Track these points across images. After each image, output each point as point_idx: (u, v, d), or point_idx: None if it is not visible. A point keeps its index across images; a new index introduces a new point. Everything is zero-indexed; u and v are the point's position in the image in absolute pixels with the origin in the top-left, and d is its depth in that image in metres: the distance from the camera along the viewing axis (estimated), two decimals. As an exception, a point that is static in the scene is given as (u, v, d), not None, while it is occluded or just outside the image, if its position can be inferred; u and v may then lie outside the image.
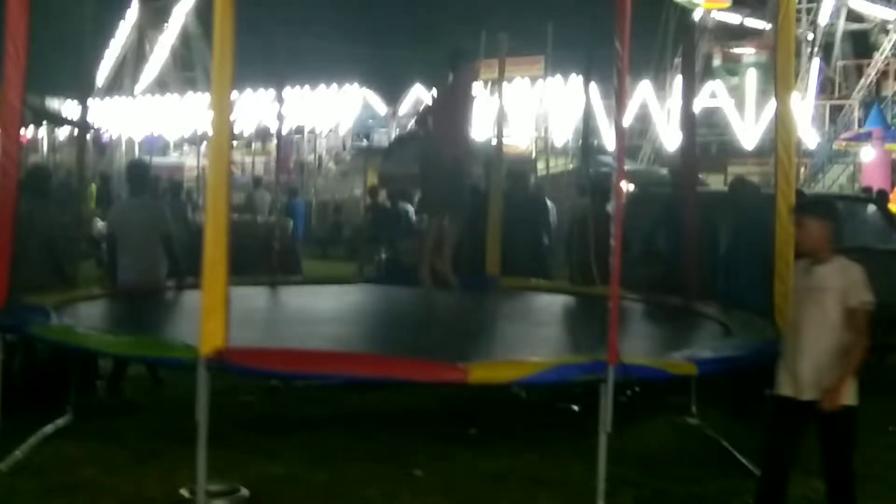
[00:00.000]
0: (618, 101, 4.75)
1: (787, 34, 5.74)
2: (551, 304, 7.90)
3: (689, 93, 7.43)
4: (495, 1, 27.75)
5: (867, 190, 15.68)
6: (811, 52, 26.11)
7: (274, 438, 6.53)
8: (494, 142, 9.37)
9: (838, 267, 4.77)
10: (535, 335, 6.49)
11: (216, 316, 4.42)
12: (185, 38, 38.41)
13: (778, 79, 5.71)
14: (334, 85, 29.91)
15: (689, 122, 7.43)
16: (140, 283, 7.73)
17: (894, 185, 20.90)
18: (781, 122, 5.65)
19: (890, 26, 27.28)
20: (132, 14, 39.45)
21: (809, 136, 23.76)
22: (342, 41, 31.50)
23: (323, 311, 7.29)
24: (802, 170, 23.52)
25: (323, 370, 4.59)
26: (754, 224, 7.28)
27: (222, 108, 4.54)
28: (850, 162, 23.30)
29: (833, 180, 22.51)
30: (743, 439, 6.27)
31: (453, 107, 7.32)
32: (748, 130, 23.91)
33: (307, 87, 29.57)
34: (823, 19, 27.02)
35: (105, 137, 33.48)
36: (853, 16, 28.11)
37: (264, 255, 11.82)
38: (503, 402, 7.24)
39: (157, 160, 28.46)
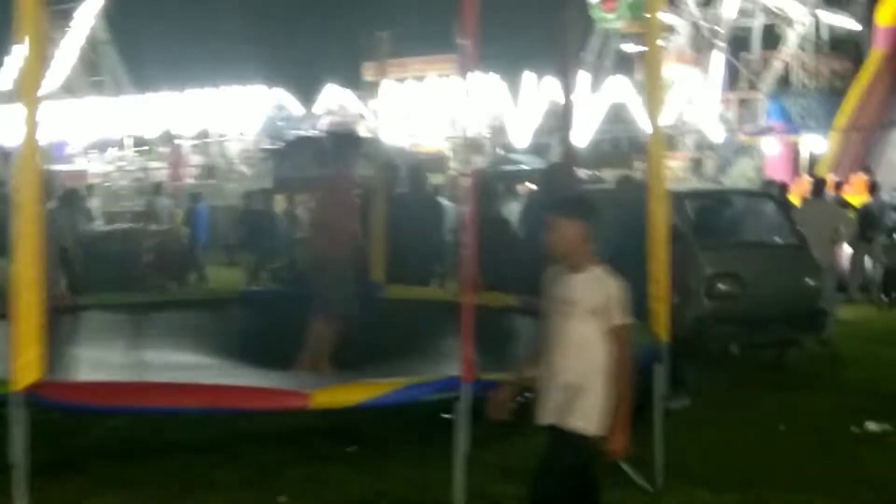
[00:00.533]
0: (465, 98, 4.48)
1: (653, 33, 5.58)
2: (433, 314, 7.55)
3: (566, 89, 7.21)
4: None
5: (769, 183, 15.74)
6: (714, 45, 26.37)
7: (136, 465, 6.12)
8: (375, 140, 9.06)
9: (593, 279, 4.09)
10: (405, 349, 6.20)
11: (31, 347, 4.03)
12: (91, 42, 37.31)
13: (647, 76, 5.57)
14: (243, 86, 29.38)
15: (566, 117, 7.21)
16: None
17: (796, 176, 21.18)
18: (651, 119, 5.48)
19: (796, 20, 27.66)
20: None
21: (715, 129, 23.98)
22: (250, 42, 30.88)
23: (190, 330, 6.90)
24: (710, 163, 23.74)
25: (149, 403, 4.23)
26: (639, 223, 7.08)
27: (31, 117, 4.14)
28: (758, 155, 23.52)
29: (740, 174, 22.70)
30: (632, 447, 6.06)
31: (341, 201, 6.85)
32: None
33: (214, 88, 29.00)
34: (728, 12, 27.27)
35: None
36: (761, 9, 28.45)
37: (155, 264, 11.39)
38: (391, 415, 6.92)
39: (58, 167, 27.56)
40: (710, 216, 9.90)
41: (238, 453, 6.35)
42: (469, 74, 4.50)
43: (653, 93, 5.46)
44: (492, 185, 8.92)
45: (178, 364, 5.62)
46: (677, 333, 7.70)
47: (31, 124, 4.15)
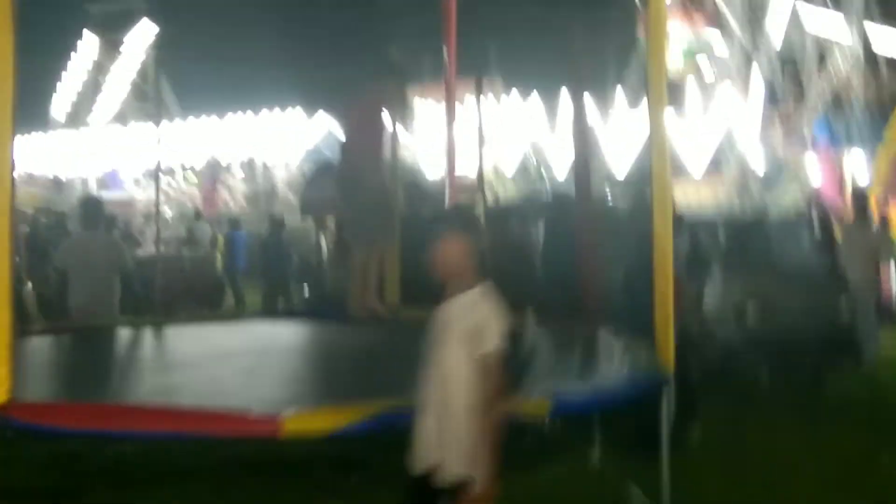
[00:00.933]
0: (447, 114, 4.31)
1: (658, 49, 5.36)
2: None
3: (579, 107, 6.98)
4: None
5: (814, 204, 15.27)
6: (757, 63, 25.95)
7: (134, 492, 6.06)
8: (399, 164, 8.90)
9: (468, 301, 3.60)
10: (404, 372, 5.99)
11: (-2, 367, 3.93)
12: (140, 70, 37.92)
13: (650, 95, 5.33)
14: (288, 112, 29.57)
15: (583, 138, 6.98)
16: (95, 317, 7.62)
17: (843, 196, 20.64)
18: (654, 139, 5.25)
19: (842, 39, 27.03)
20: (86, 47, 38.95)
21: (757, 150, 23.54)
22: (295, 67, 31.12)
23: (190, 354, 6.81)
24: (754, 184, 23.25)
25: (112, 427, 4.08)
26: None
27: (3, 146, 4.06)
28: (803, 175, 23.01)
29: (786, 194, 22.19)
30: (646, 481, 5.78)
31: (372, 129, 6.76)
32: (690, 148, 23.72)
33: (259, 115, 29.27)
34: (772, 31, 26.80)
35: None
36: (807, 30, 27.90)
37: (185, 289, 11.40)
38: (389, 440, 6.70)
39: (109, 195, 27.95)
40: (740, 241, 9.62)
41: (237, 482, 6.22)
42: (452, 83, 4.29)
43: (656, 110, 5.22)
44: (516, 210, 8.75)
45: (181, 387, 5.54)
46: (700, 361, 7.49)
47: (5, 152, 4.05)
